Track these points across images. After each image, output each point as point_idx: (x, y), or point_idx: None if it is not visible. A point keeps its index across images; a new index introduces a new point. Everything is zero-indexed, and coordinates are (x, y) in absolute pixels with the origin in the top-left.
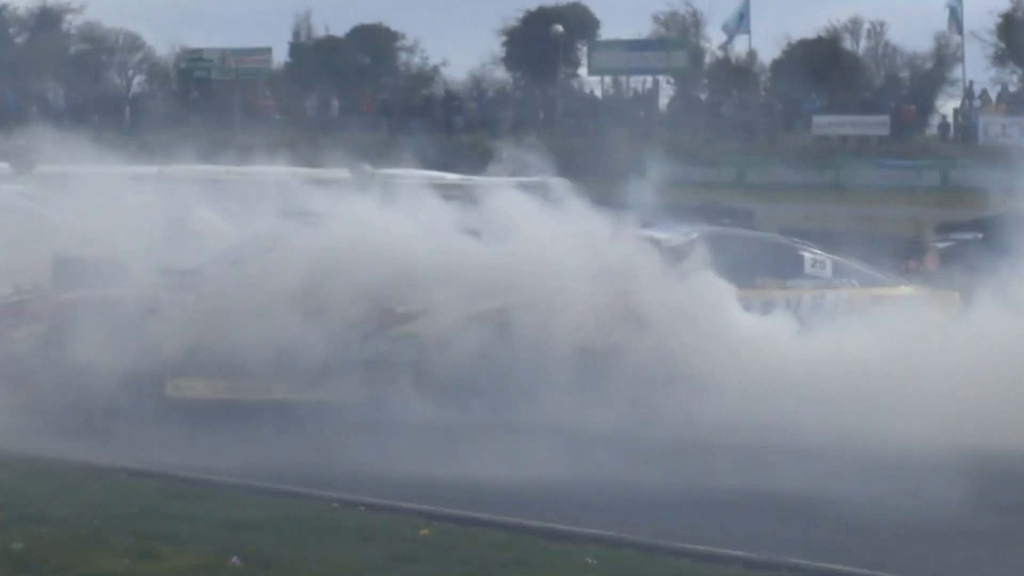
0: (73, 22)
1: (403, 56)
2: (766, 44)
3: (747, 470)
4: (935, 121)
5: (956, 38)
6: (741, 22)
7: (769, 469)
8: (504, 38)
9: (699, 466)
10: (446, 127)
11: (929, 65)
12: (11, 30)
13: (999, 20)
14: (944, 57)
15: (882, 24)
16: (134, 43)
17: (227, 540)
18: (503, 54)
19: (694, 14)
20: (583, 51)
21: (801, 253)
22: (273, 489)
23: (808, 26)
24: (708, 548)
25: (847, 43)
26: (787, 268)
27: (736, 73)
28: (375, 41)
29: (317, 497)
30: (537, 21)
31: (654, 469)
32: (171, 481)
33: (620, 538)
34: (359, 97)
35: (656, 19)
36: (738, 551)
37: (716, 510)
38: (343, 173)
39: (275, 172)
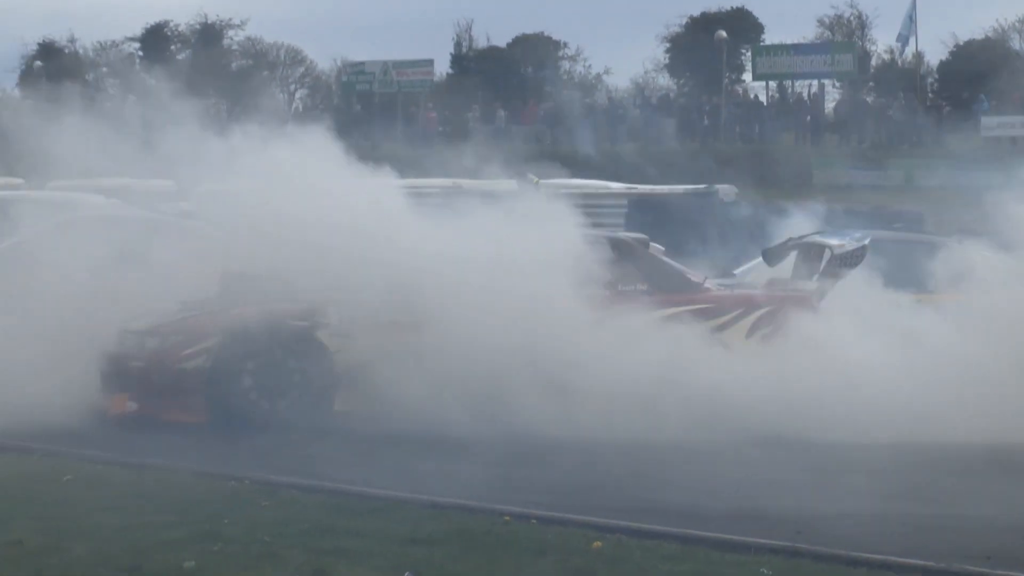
0: (235, 38)
1: (566, 65)
2: (933, 45)
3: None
4: None
5: None
6: (911, 26)
7: None
8: (667, 45)
9: None
10: (610, 136)
11: None
12: (173, 47)
13: None
14: None
15: None
16: (296, 57)
17: (400, 556)
18: (666, 61)
19: (859, 16)
20: (747, 56)
21: (972, 257)
22: (444, 503)
23: (975, 26)
24: (885, 557)
25: (1015, 43)
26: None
27: (903, 75)
28: (537, 50)
29: (489, 510)
30: (700, 27)
31: None
32: (342, 496)
33: (796, 548)
34: (522, 107)
35: (820, 22)
36: (916, 559)
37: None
38: (510, 184)
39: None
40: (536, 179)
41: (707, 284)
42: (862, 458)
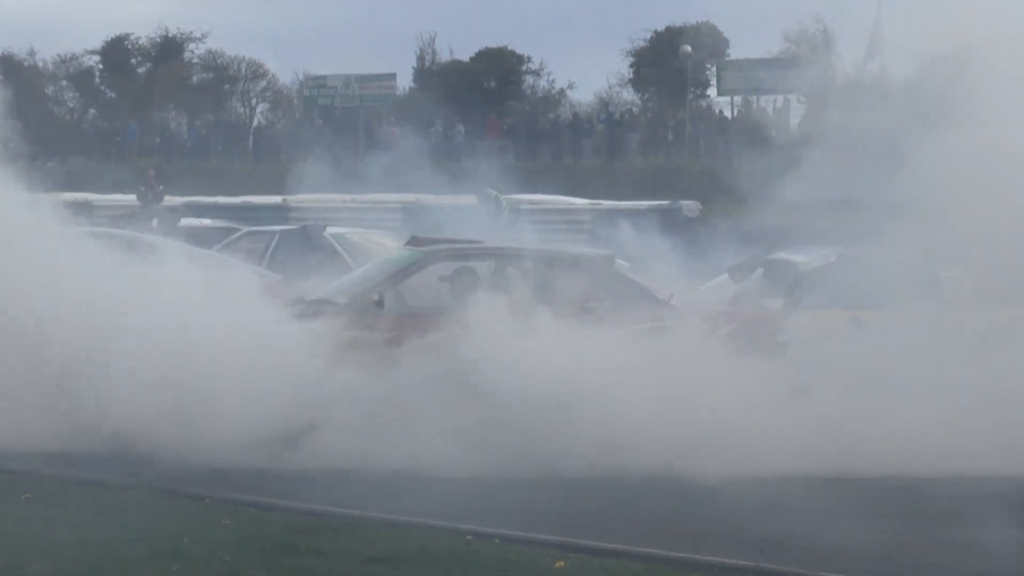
0: (195, 51)
1: (529, 79)
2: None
3: None
4: None
5: None
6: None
7: None
8: (632, 59)
9: None
10: (573, 151)
11: None
12: (133, 60)
13: None
14: None
15: None
16: (257, 71)
17: (361, 574)
18: (631, 75)
19: (824, 31)
20: (712, 71)
21: (939, 275)
22: (405, 522)
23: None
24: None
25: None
26: (925, 290)
27: (869, 91)
28: (501, 65)
29: (451, 529)
30: (665, 41)
31: None
32: (303, 515)
33: (759, 567)
34: (485, 122)
35: (786, 37)
36: None
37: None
38: (470, 199)
39: (402, 200)
40: (496, 193)
41: (672, 302)
42: None
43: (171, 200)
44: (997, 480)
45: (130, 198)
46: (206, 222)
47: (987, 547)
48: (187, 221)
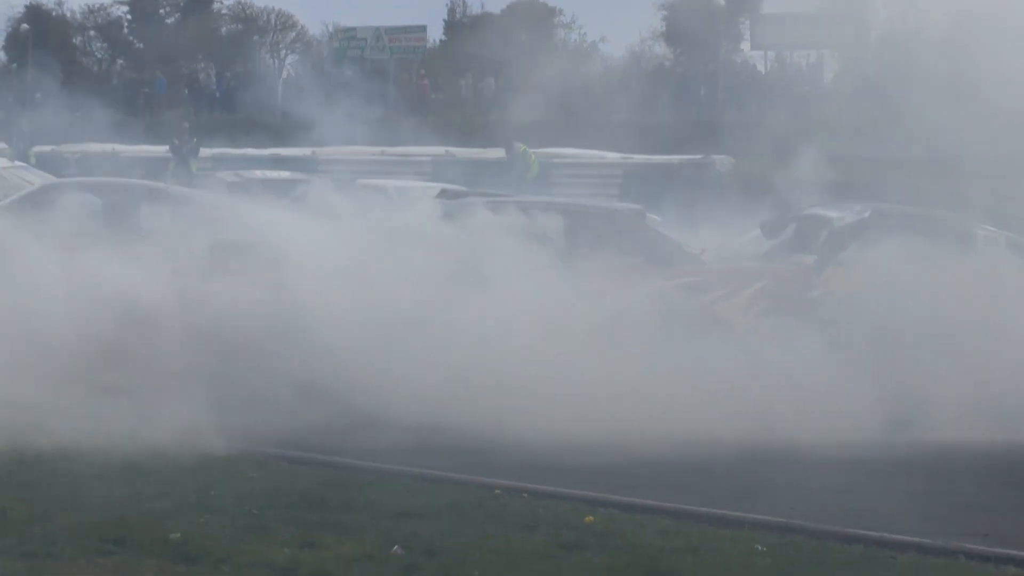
0: (224, 2)
1: (561, 33)
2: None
3: None
4: None
5: None
6: None
7: None
8: (664, 12)
9: None
10: (605, 105)
11: None
12: (162, 10)
13: None
14: None
15: None
16: (286, 22)
17: (390, 529)
18: (663, 29)
19: None
20: (746, 25)
21: (974, 231)
22: (435, 476)
23: None
24: (882, 534)
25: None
26: (960, 246)
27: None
28: (532, 18)
29: (480, 484)
30: None
31: None
32: (332, 469)
33: (790, 524)
34: (516, 76)
35: None
36: (912, 536)
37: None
38: (499, 153)
39: (431, 152)
40: (524, 147)
41: (704, 257)
42: None
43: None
44: None
45: (159, 149)
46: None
47: None
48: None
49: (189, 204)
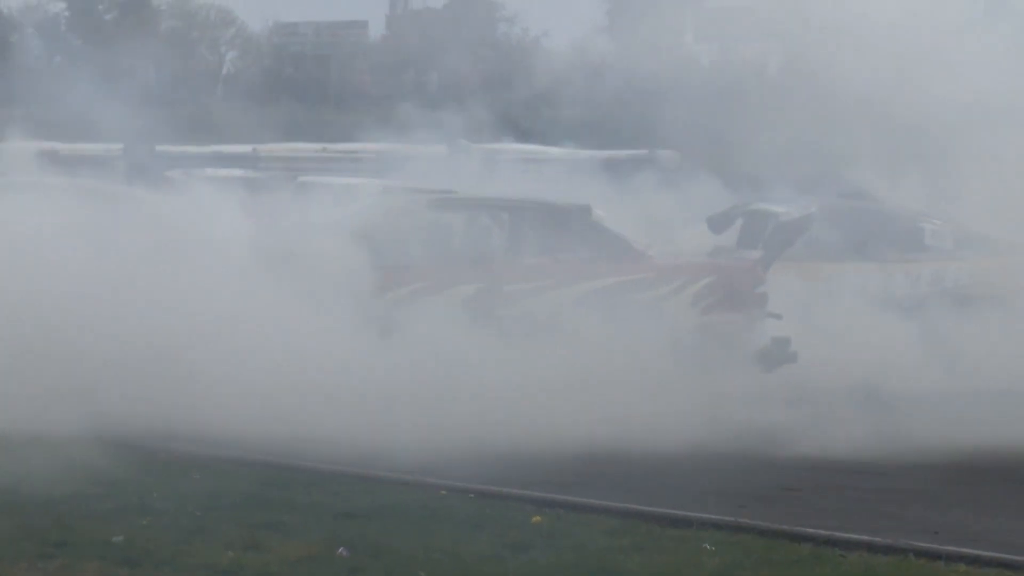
0: None
1: (503, 27)
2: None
3: None
4: None
5: None
6: None
7: None
8: (608, 5)
9: None
10: (549, 99)
11: None
12: (100, 6)
13: None
14: None
15: None
16: (226, 18)
17: (335, 529)
18: (607, 22)
19: None
20: (690, 17)
21: (920, 224)
22: (379, 476)
23: None
24: (831, 533)
25: None
26: (907, 240)
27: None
28: (474, 12)
29: (424, 484)
30: None
31: None
32: (275, 469)
33: (739, 523)
34: (458, 71)
35: None
36: (862, 535)
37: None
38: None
39: (373, 149)
40: (469, 144)
41: (651, 253)
42: None
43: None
44: None
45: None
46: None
47: None
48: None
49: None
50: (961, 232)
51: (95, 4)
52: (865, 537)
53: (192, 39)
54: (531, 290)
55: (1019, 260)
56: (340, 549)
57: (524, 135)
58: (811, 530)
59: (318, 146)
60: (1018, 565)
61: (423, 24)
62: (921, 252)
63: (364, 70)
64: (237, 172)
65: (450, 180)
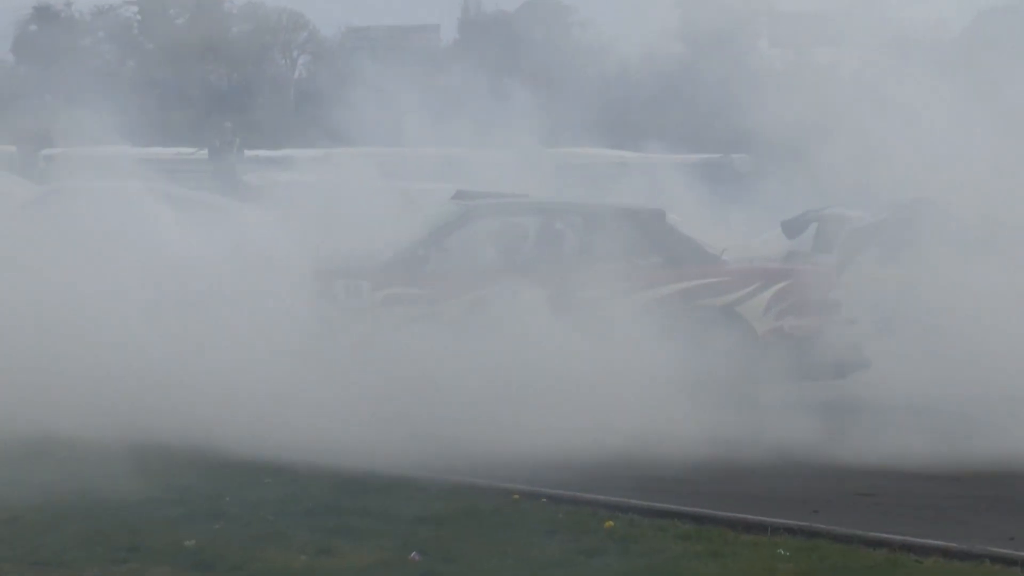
0: (235, 2)
1: (576, 31)
2: None
3: None
4: None
5: None
6: None
7: None
8: (680, 10)
9: None
10: (622, 103)
11: None
12: (172, 11)
13: None
14: None
15: None
16: (298, 22)
17: (407, 535)
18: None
19: None
20: (764, 21)
21: None
22: (453, 482)
23: None
24: (906, 538)
25: None
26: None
27: None
28: (547, 15)
29: (498, 489)
30: None
31: None
32: (348, 475)
33: (813, 528)
34: (528, 74)
35: None
36: (937, 540)
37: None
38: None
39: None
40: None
41: (725, 257)
42: None
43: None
44: None
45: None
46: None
47: None
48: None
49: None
50: None
51: (166, 7)
52: (941, 543)
53: (264, 43)
54: (605, 295)
55: None
56: (412, 554)
57: (598, 140)
58: (886, 535)
59: (393, 151)
60: None
61: (495, 27)
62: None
63: (436, 73)
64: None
65: (523, 185)
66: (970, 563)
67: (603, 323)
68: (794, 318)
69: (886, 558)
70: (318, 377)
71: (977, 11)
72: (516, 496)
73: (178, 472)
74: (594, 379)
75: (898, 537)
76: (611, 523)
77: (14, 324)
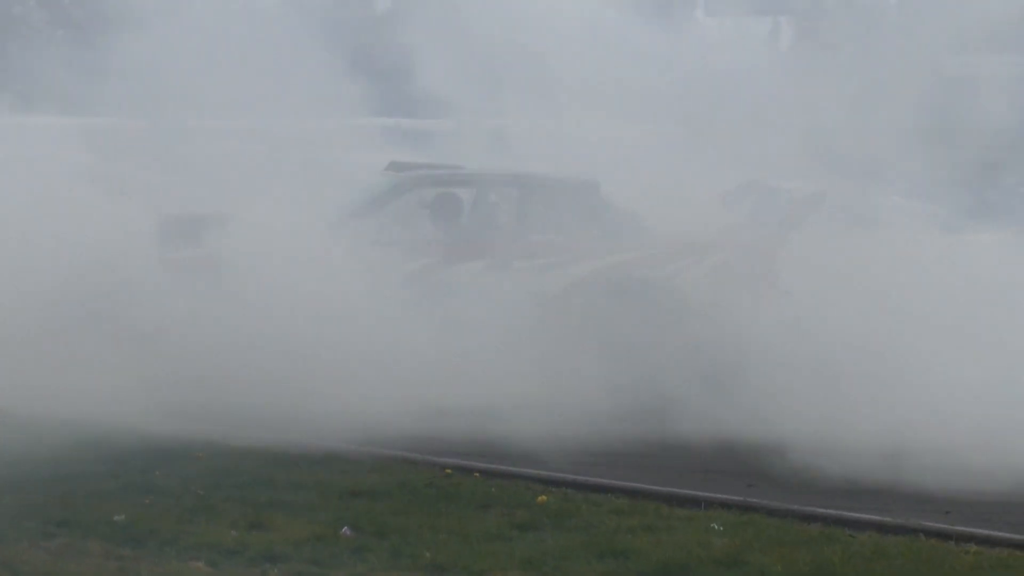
0: None
1: None
2: None
3: None
4: None
5: None
6: None
7: None
8: None
9: None
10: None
11: None
12: None
13: None
14: None
15: None
16: None
17: (340, 508)
18: None
19: None
20: None
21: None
22: (385, 455)
23: None
24: (841, 512)
25: None
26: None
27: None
28: None
29: (430, 463)
30: None
31: None
32: (281, 448)
33: (748, 503)
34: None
35: None
36: (872, 515)
37: None
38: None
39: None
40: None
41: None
42: None
43: None
44: None
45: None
46: None
47: None
48: None
49: None
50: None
51: None
52: (875, 517)
53: None
54: (538, 267)
55: None
56: (344, 528)
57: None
58: (821, 510)
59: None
60: None
61: None
62: None
63: None
64: None
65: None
66: (905, 537)
67: (535, 296)
68: (730, 291)
69: (820, 532)
70: None
71: None
72: (448, 471)
73: (109, 446)
74: (523, 353)
75: (833, 512)
76: (544, 498)
77: None
